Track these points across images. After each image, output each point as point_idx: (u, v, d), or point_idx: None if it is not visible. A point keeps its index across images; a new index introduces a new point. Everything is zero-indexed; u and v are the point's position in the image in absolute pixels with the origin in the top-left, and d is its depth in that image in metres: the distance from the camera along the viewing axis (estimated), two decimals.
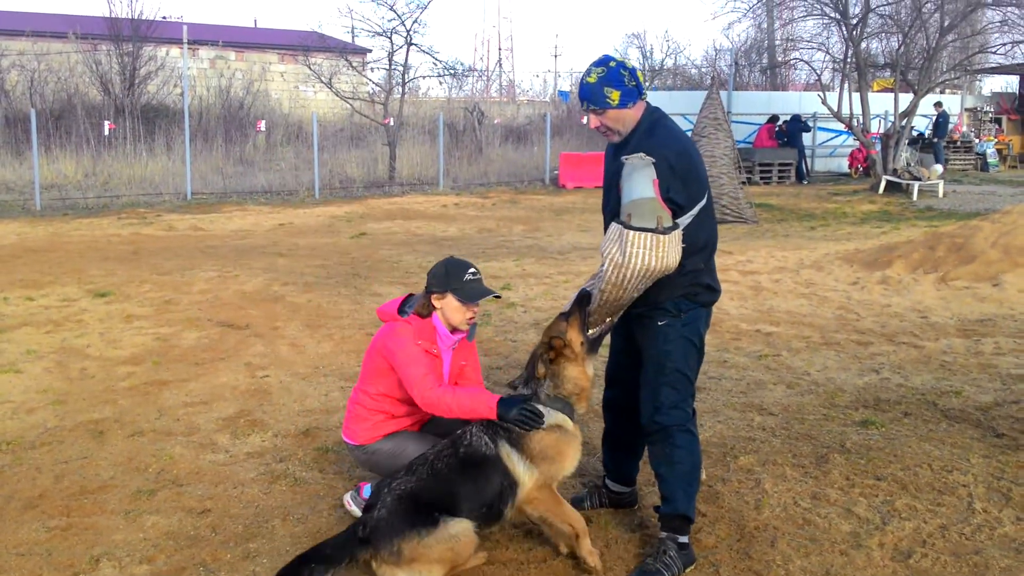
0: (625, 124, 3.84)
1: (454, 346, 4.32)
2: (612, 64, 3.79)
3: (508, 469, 3.77)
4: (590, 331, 3.90)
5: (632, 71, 3.81)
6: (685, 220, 3.73)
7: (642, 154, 3.68)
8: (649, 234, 3.56)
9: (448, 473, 3.75)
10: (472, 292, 4.16)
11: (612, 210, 3.85)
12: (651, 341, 3.92)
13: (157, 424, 5.73)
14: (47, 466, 5.03)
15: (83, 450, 5.28)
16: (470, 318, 4.21)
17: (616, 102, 3.77)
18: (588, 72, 3.81)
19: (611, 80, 3.76)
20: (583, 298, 3.87)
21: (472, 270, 4.19)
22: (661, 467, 3.95)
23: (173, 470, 5.00)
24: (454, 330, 4.25)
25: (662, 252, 3.58)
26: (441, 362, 4.26)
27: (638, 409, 4.07)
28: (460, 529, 3.63)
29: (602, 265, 3.67)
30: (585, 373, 3.92)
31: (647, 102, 3.91)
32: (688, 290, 3.86)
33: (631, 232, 3.56)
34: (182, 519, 4.39)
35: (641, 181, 3.63)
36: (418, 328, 4.21)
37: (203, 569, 3.92)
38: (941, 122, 25.50)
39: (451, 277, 4.15)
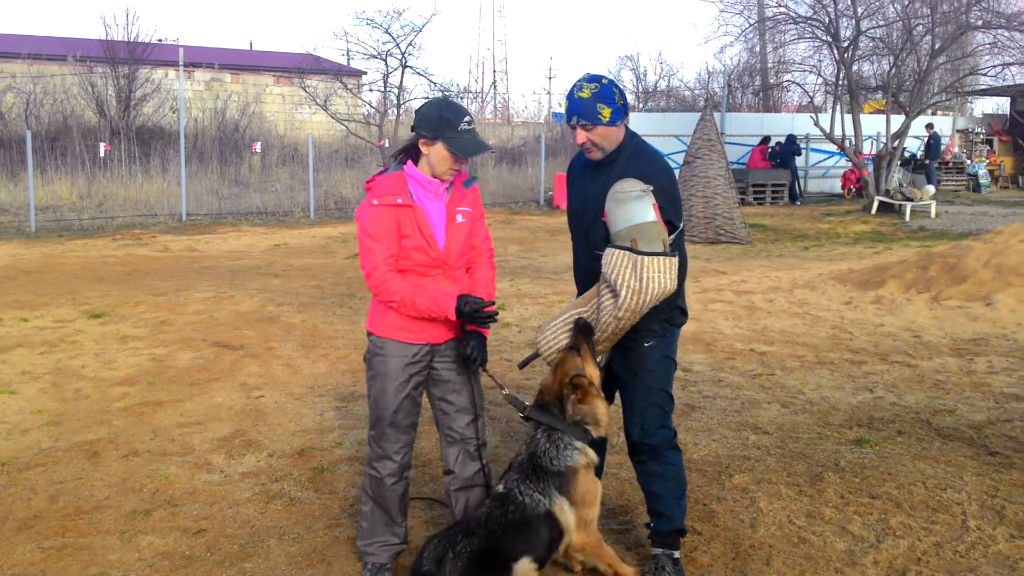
0: (611, 142, 3.83)
1: (444, 192, 3.84)
2: (604, 81, 3.79)
3: (558, 520, 3.72)
4: (598, 359, 3.90)
5: (621, 90, 3.83)
6: (673, 238, 3.77)
7: (634, 180, 3.69)
8: (662, 258, 3.60)
9: (502, 534, 3.66)
10: (466, 145, 3.72)
11: (600, 232, 3.81)
12: (637, 364, 3.93)
13: (152, 444, 5.72)
14: (42, 487, 5.03)
15: (78, 471, 5.27)
16: (456, 169, 3.79)
17: (607, 119, 3.76)
18: (579, 87, 3.78)
19: (604, 97, 3.75)
20: (586, 328, 3.82)
21: (467, 118, 3.73)
22: (654, 485, 3.98)
23: (168, 490, 4.99)
24: (436, 178, 3.80)
25: (673, 274, 3.64)
26: (417, 211, 3.74)
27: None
28: (527, 567, 3.62)
29: (616, 293, 3.63)
30: (607, 405, 3.91)
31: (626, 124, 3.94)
32: (669, 314, 3.91)
33: (645, 258, 3.58)
34: (177, 539, 4.38)
35: (642, 205, 3.64)
36: (379, 185, 3.76)
37: None
38: (933, 143, 25.73)
39: (444, 124, 3.68)
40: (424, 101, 3.87)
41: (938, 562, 4.03)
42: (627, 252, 3.60)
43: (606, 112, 3.75)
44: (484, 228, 4.03)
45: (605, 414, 3.86)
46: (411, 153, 3.82)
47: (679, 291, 3.94)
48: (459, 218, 3.85)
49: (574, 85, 3.83)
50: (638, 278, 3.57)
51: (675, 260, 3.65)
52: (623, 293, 3.60)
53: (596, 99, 3.75)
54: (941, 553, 4.11)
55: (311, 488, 5.02)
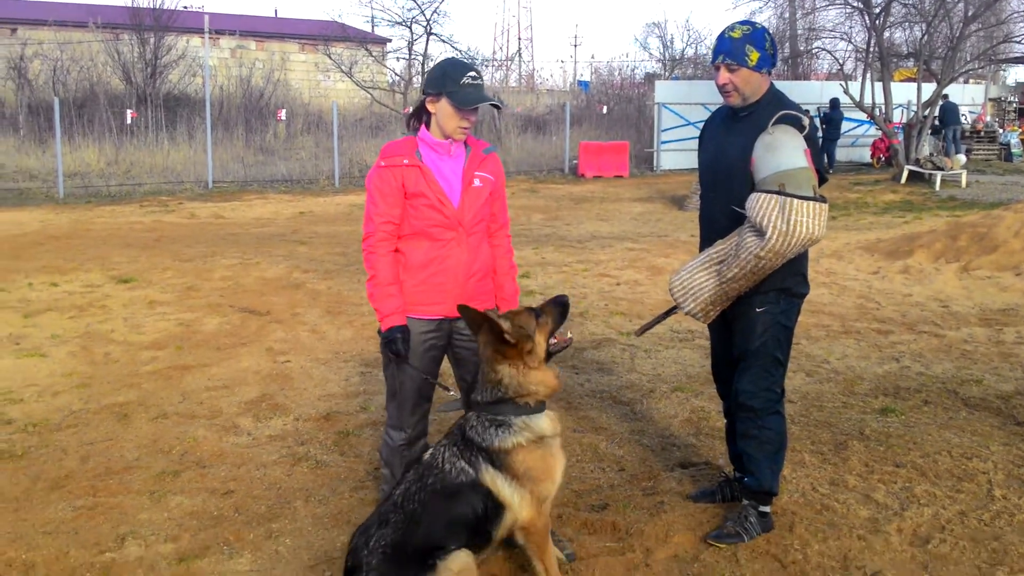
0: (752, 89, 3.78)
1: (460, 154, 3.80)
2: (758, 26, 3.78)
3: (492, 492, 3.31)
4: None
5: (773, 40, 3.79)
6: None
7: (787, 126, 3.65)
8: (811, 203, 3.56)
9: (423, 513, 3.25)
10: (467, 97, 3.63)
11: (737, 182, 3.75)
12: (748, 327, 3.91)
13: (180, 407, 5.80)
14: (72, 448, 5.11)
15: (108, 432, 5.36)
16: (464, 127, 3.70)
17: (753, 62, 3.73)
18: (732, 28, 3.77)
19: (754, 40, 3.73)
20: (562, 303, 3.53)
21: (472, 73, 3.67)
22: (750, 446, 3.98)
23: (196, 452, 5.06)
24: (448, 138, 3.74)
25: (821, 221, 3.59)
26: (425, 170, 3.70)
27: None
28: (460, 564, 3.19)
29: (762, 233, 3.58)
30: (551, 375, 3.45)
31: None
32: (789, 281, 3.85)
33: (795, 200, 3.54)
34: (206, 499, 4.45)
35: (793, 151, 3.61)
36: (387, 148, 3.76)
37: (227, 548, 3.97)
38: (950, 109, 24.37)
39: (447, 78, 3.64)
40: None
41: (962, 530, 4.02)
42: (774, 195, 3.56)
43: (754, 55, 3.72)
44: (503, 199, 3.98)
45: (546, 379, 3.42)
46: (421, 117, 3.80)
47: (805, 256, 3.87)
48: (477, 182, 3.81)
49: (726, 27, 3.81)
50: (785, 220, 3.53)
51: (825, 207, 3.59)
52: (770, 232, 3.55)
53: (746, 40, 3.73)
54: (966, 521, 4.10)
55: (336, 451, 5.07)
